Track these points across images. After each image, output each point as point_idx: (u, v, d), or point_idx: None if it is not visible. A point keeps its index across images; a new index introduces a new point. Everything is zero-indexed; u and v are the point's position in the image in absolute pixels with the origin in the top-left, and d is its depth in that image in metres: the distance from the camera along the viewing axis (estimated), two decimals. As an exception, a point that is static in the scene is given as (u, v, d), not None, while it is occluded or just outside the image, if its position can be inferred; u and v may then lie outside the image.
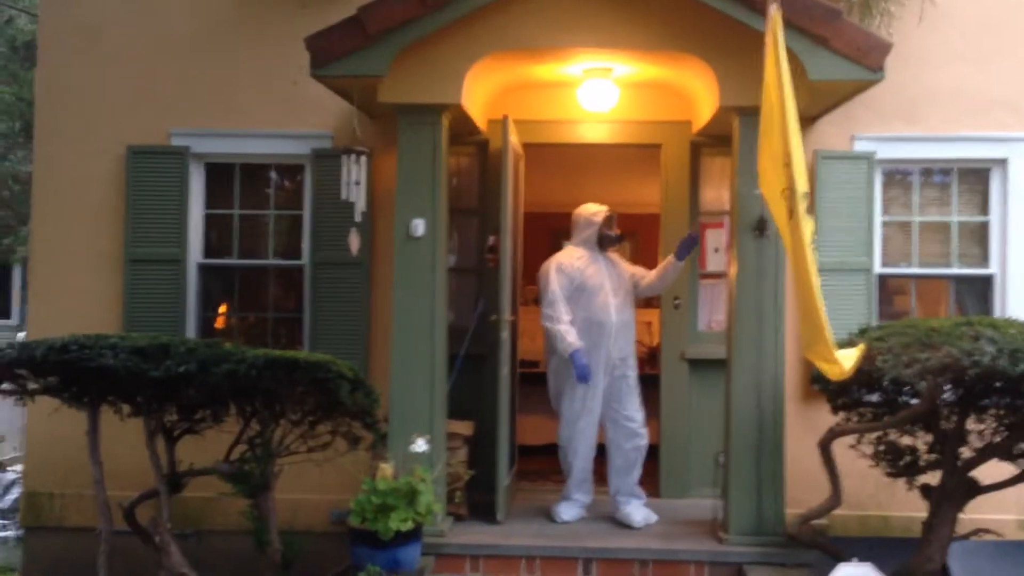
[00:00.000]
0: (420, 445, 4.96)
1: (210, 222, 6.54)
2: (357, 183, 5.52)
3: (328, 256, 6.24)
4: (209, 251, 6.53)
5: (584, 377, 5.46)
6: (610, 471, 5.75)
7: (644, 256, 7.30)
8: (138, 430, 4.85)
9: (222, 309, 6.63)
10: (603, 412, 5.70)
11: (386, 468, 4.79)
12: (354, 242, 5.59)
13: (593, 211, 5.75)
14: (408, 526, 4.60)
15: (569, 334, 5.49)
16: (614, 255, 5.87)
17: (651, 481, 6.13)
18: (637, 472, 5.75)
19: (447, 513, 5.37)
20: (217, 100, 6.40)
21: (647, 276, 5.86)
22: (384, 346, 5.72)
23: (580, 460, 5.71)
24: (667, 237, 6.31)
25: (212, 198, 6.54)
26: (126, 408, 4.92)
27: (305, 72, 5.31)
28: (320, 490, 5.79)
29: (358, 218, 5.54)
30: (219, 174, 6.54)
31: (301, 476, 5.18)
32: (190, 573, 4.67)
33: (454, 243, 6.41)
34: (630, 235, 6.41)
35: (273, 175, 6.60)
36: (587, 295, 5.63)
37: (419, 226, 5.33)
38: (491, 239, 6.28)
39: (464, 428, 5.79)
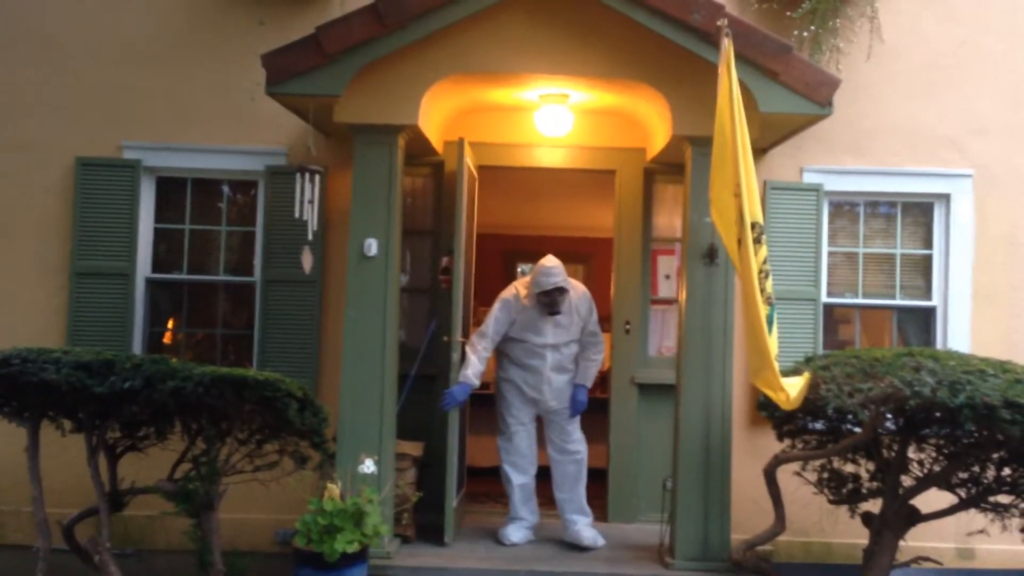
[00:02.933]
0: (368, 466, 4.93)
1: (160, 236, 6.46)
2: (310, 201, 5.50)
3: (280, 274, 6.20)
4: (158, 266, 6.44)
5: (444, 403, 5.54)
6: (554, 488, 5.80)
7: (597, 280, 7.34)
8: (79, 446, 4.77)
9: (170, 324, 6.54)
10: (547, 442, 5.82)
11: (333, 488, 4.75)
12: (307, 260, 5.57)
13: (538, 280, 5.59)
14: (354, 548, 4.55)
15: (470, 365, 5.56)
16: (574, 300, 5.74)
17: (599, 505, 6.15)
18: (582, 487, 5.81)
19: (394, 535, 5.34)
20: (171, 114, 6.34)
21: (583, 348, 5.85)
22: (335, 365, 5.69)
23: (520, 476, 5.78)
24: (620, 262, 6.37)
25: (163, 212, 6.46)
26: (68, 424, 4.83)
27: (261, 88, 5.29)
28: (266, 510, 5.72)
29: (311, 236, 5.52)
30: (171, 188, 6.47)
31: (247, 496, 5.12)
32: (130, 594, 4.58)
33: (407, 263, 6.41)
34: (583, 259, 6.43)
35: (226, 190, 6.54)
36: (526, 337, 5.71)
37: (372, 246, 5.32)
38: (444, 260, 6.29)
39: (413, 449, 5.76)
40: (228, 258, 6.48)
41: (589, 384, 5.83)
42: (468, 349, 5.59)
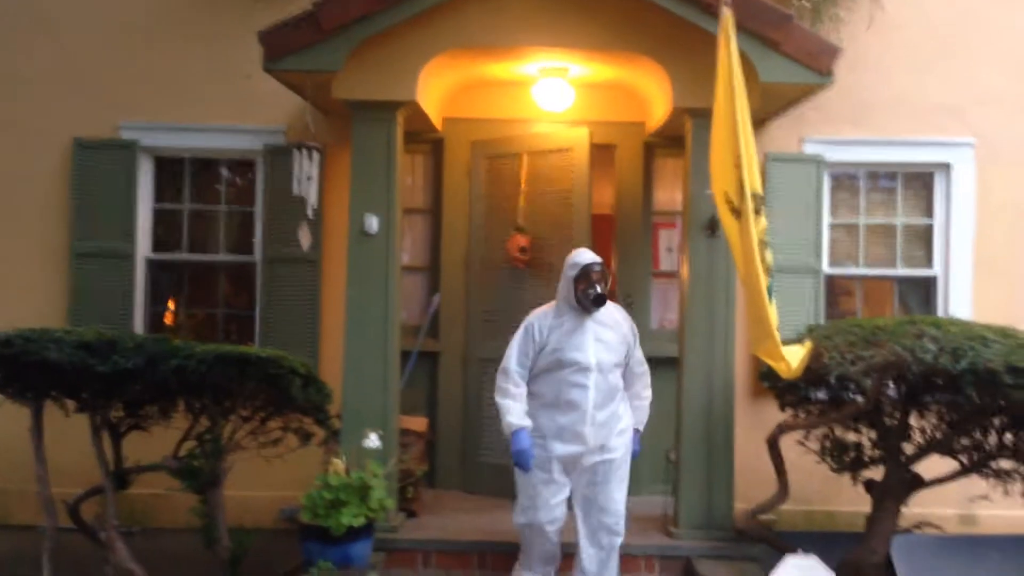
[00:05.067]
0: (373, 440, 4.94)
1: (159, 217, 6.45)
2: (309, 178, 5.49)
3: (280, 252, 6.20)
4: (158, 246, 6.44)
5: (520, 464, 4.48)
6: (576, 570, 4.66)
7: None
8: (83, 426, 4.77)
9: (171, 305, 6.54)
10: (575, 493, 4.62)
11: (338, 464, 4.77)
12: (305, 237, 5.56)
13: (572, 262, 4.58)
14: (360, 522, 4.57)
15: (512, 411, 4.49)
16: (616, 314, 4.70)
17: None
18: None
19: (400, 509, 5.36)
20: (168, 93, 6.32)
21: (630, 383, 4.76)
22: (336, 342, 5.69)
23: (542, 539, 4.64)
24: (622, 237, 6.36)
25: (161, 192, 6.46)
26: (71, 404, 4.83)
27: (258, 66, 5.26)
28: (270, 487, 5.74)
29: (310, 213, 5.52)
30: (169, 168, 6.46)
31: (251, 473, 5.13)
32: (137, 569, 4.60)
33: (407, 241, 6.41)
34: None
35: (224, 170, 6.53)
36: (560, 365, 4.51)
37: (373, 223, 5.31)
38: (522, 240, 6.18)
39: (418, 424, 5.78)
40: (228, 237, 6.48)
41: (642, 427, 4.77)
42: (497, 397, 4.56)
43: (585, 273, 4.49)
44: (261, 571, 5.01)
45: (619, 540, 4.60)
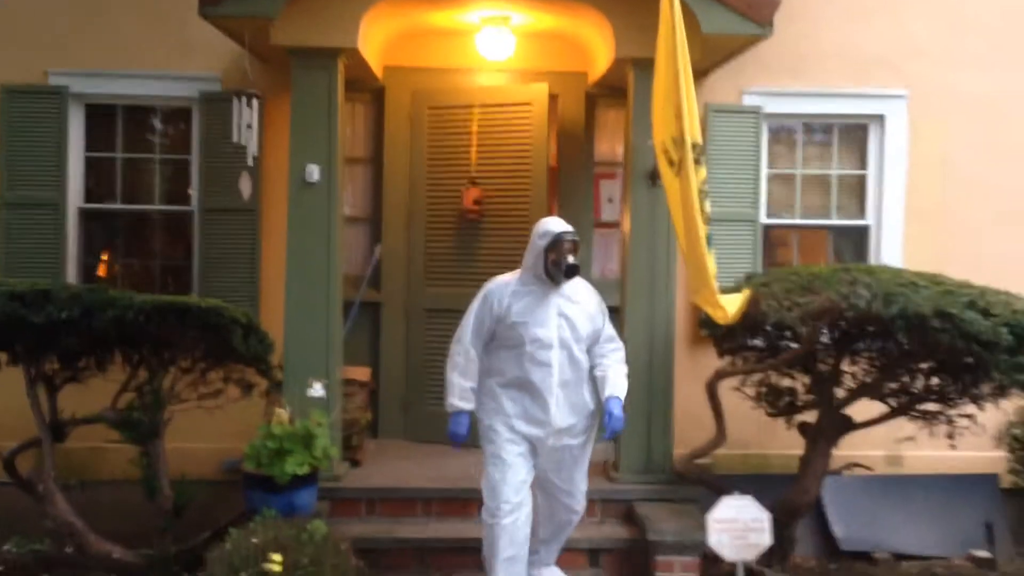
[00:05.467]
0: (317, 389, 4.94)
1: (91, 166, 6.29)
2: (249, 126, 5.40)
3: (217, 202, 6.10)
4: (91, 196, 6.28)
5: (452, 441, 4.37)
6: (532, 533, 4.49)
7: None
8: (17, 379, 4.68)
9: (104, 256, 6.40)
10: (537, 477, 4.44)
11: (282, 413, 4.75)
12: (245, 186, 5.48)
13: (542, 230, 4.30)
14: (305, 470, 4.58)
15: (454, 390, 4.31)
16: (583, 290, 4.45)
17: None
18: (560, 544, 4.71)
19: (344, 458, 5.37)
20: (99, 39, 6.12)
21: (598, 360, 4.45)
22: (276, 293, 5.64)
23: (510, 549, 4.30)
24: (564, 188, 6.38)
25: (93, 141, 6.28)
26: (4, 356, 4.74)
27: (194, 12, 5.12)
28: (212, 439, 5.69)
29: (250, 162, 5.43)
30: (101, 116, 6.28)
31: (192, 425, 5.10)
32: (77, 522, 4.56)
33: (348, 191, 6.35)
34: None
35: (158, 118, 6.37)
36: (522, 341, 4.25)
37: (314, 172, 5.25)
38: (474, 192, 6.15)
39: (361, 374, 5.78)
40: (163, 187, 6.34)
41: (623, 396, 4.38)
42: (447, 370, 4.37)
43: (557, 242, 4.22)
44: (204, 522, 5.00)
45: (578, 517, 4.56)
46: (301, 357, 5.19)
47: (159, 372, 4.85)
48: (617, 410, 4.29)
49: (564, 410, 4.30)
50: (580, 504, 4.51)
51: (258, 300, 6.06)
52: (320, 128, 5.28)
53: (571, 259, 4.21)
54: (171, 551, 4.72)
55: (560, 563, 4.80)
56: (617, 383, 4.36)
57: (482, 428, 4.39)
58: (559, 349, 4.27)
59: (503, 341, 4.31)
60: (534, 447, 4.33)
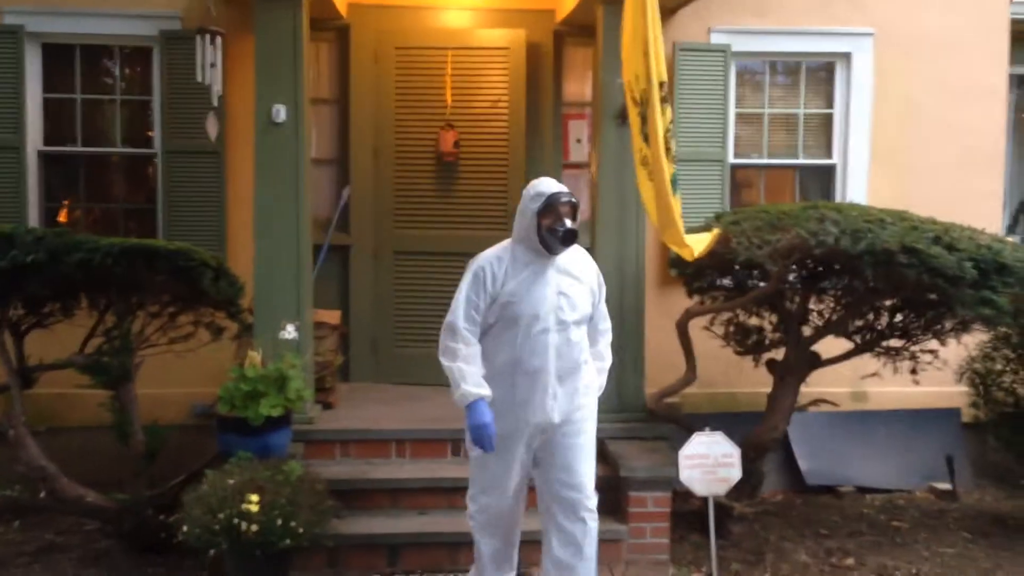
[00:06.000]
0: (290, 331, 4.93)
1: (50, 108, 6.12)
2: (213, 65, 5.29)
3: (181, 144, 5.98)
4: (51, 139, 6.13)
5: (480, 443, 3.73)
6: (545, 562, 3.97)
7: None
8: (-18, 324, 4.61)
9: (66, 201, 6.27)
10: (537, 473, 3.94)
11: (255, 356, 4.73)
12: (212, 127, 5.40)
13: (534, 192, 3.81)
14: (278, 412, 4.58)
15: (467, 377, 3.70)
16: (582, 260, 3.96)
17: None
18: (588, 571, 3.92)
19: (316, 401, 5.37)
20: (52, -25, 5.94)
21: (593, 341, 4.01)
22: (243, 236, 5.60)
23: (494, 533, 4.01)
24: (532, 128, 6.34)
25: (52, 82, 6.11)
26: (-33, 302, 4.66)
27: (152, -55, 4.99)
28: (183, 384, 5.66)
29: (215, 102, 5.33)
30: (59, 56, 6.10)
31: (163, 370, 5.08)
32: (48, 466, 4.53)
33: (314, 133, 6.26)
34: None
35: (118, 58, 6.21)
36: (514, 323, 3.76)
37: (280, 112, 5.16)
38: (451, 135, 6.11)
39: (331, 317, 5.76)
40: (125, 129, 6.20)
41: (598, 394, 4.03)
42: (445, 360, 3.77)
43: (551, 205, 3.70)
44: (177, 466, 5.00)
45: (594, 520, 3.89)
46: (271, 300, 5.16)
47: (127, 316, 4.80)
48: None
49: (562, 402, 3.80)
50: (592, 502, 3.88)
51: (225, 243, 5.99)
52: (286, 67, 5.18)
53: (569, 223, 3.71)
54: (145, 495, 4.72)
55: (530, 501, 4.84)
56: (600, 377, 4.02)
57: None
58: (556, 333, 3.76)
59: (494, 323, 3.79)
60: (529, 442, 3.84)
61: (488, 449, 3.72)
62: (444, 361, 3.77)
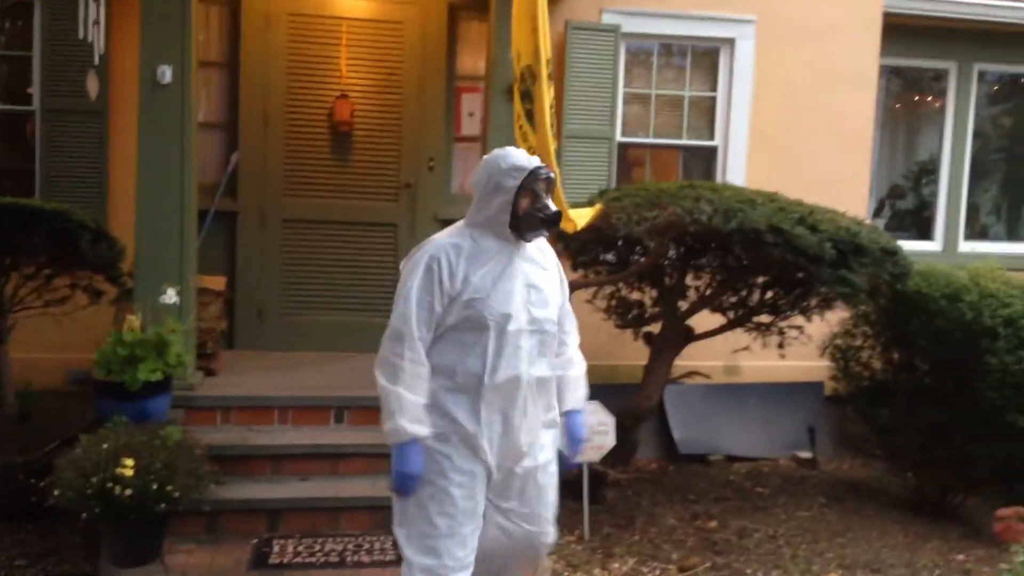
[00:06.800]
0: (170, 296, 4.87)
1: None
2: (96, 23, 5.13)
3: (62, 103, 5.82)
4: (-81, 92, 5.89)
5: (402, 491, 3.06)
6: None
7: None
8: None
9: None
10: (492, 507, 3.22)
11: (133, 320, 4.67)
12: (92, 86, 5.25)
13: (510, 165, 3.10)
14: (157, 377, 4.53)
15: (406, 408, 2.98)
16: (541, 246, 3.28)
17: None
18: None
19: (199, 368, 5.33)
20: (-77, -81, 5.67)
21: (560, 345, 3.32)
22: (126, 199, 5.46)
23: None
24: (423, 100, 6.38)
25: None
26: None
27: None
28: (59, 349, 5.53)
29: (96, 61, 5.18)
30: (-71, 5, 5.85)
31: (38, 334, 4.97)
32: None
33: (202, 96, 6.16)
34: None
35: (-6, 10, 5.99)
36: (481, 325, 3.05)
37: (166, 73, 5.07)
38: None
39: (216, 283, 5.71)
40: (3, 85, 5.99)
41: (584, 408, 3.43)
42: (382, 378, 3.01)
43: (532, 182, 3.08)
44: (52, 432, 4.89)
45: (547, 549, 3.40)
46: (153, 264, 5.07)
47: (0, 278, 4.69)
48: (582, 431, 3.36)
49: (534, 420, 3.16)
50: (550, 535, 3.32)
51: (107, 205, 5.85)
52: (173, 28, 5.06)
53: (551, 204, 3.14)
54: (17, 460, 4.62)
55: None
56: (579, 389, 3.38)
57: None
58: (529, 335, 3.10)
59: (453, 325, 3.04)
60: (489, 472, 3.12)
61: (405, 496, 3.05)
62: (381, 378, 3.01)
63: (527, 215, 3.08)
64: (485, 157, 3.20)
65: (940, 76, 7.58)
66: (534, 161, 3.14)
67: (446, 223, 6.39)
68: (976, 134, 7.61)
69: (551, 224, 3.12)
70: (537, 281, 3.17)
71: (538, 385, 3.14)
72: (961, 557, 4.76)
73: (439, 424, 3.04)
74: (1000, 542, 4.73)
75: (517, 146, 4.71)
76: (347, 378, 5.68)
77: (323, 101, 6.27)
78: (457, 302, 3.02)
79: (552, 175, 3.18)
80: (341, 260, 6.37)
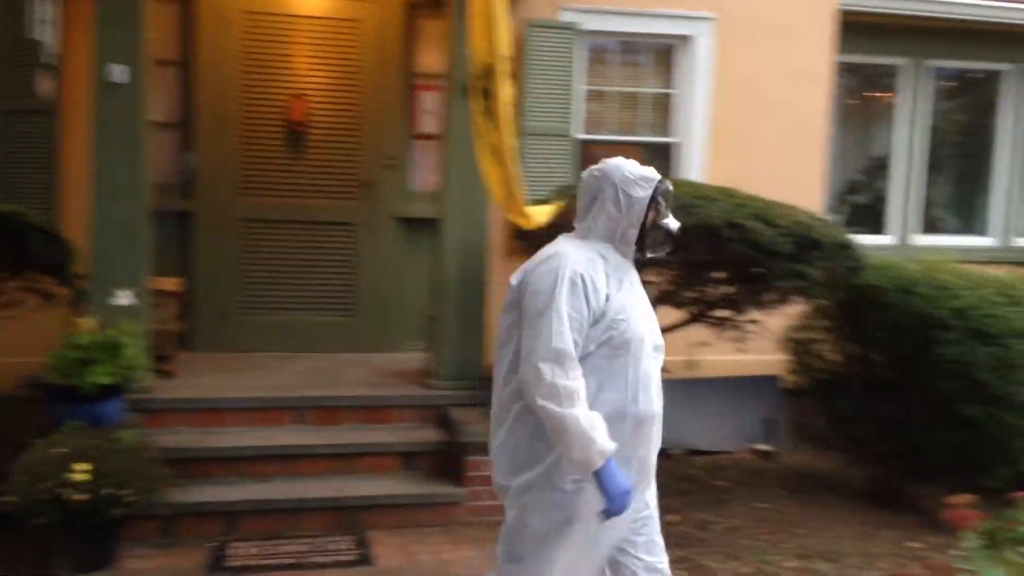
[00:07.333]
0: (124, 297, 4.80)
1: None
2: (44, 21, 5.07)
3: (12, 102, 5.69)
4: None
5: (620, 508, 2.72)
6: None
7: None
8: None
9: None
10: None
11: (87, 323, 4.61)
12: (43, 85, 5.17)
13: (639, 176, 2.91)
14: (111, 380, 4.47)
15: (598, 425, 2.67)
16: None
17: (361, 337, 6.34)
18: None
19: (155, 371, 5.27)
20: None
21: None
22: (77, 200, 5.38)
23: None
24: (381, 99, 6.34)
25: None
26: None
27: None
28: (9, 353, 5.41)
29: (48, 60, 5.11)
30: None
31: (-12, 338, 4.87)
32: None
33: (156, 95, 6.07)
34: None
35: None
36: (623, 350, 2.80)
37: (120, 72, 5.00)
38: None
39: (172, 285, 5.66)
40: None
41: None
42: (556, 406, 2.65)
43: (658, 195, 2.92)
44: (3, 438, 4.80)
45: None
46: (107, 266, 5.01)
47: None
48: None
49: (653, 445, 2.93)
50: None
51: (59, 207, 5.73)
52: (126, 25, 5.01)
53: (674, 218, 2.98)
54: (-33, 466, 4.54)
55: (372, 467, 4.95)
56: None
57: (543, 501, 2.81)
58: (654, 361, 2.91)
59: (593, 352, 2.77)
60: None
61: (623, 511, 2.75)
62: (554, 407, 2.64)
63: (654, 229, 2.93)
64: (599, 166, 2.95)
65: (894, 72, 7.68)
66: (657, 173, 2.95)
67: (405, 221, 6.47)
68: (931, 129, 7.71)
69: (675, 240, 2.98)
70: (647, 303, 2.97)
71: (660, 420, 2.92)
72: (915, 545, 4.84)
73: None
74: (952, 530, 4.80)
75: (475, 143, 4.76)
76: (307, 378, 5.65)
77: (280, 100, 6.23)
78: (600, 323, 2.77)
79: (672, 187, 3.02)
80: (302, 260, 6.34)
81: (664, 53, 6.74)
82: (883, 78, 7.77)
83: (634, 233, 2.90)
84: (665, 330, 5.28)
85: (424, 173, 6.57)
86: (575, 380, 2.67)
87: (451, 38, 5.43)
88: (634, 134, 6.73)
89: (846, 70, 7.48)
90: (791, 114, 6.71)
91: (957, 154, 8.12)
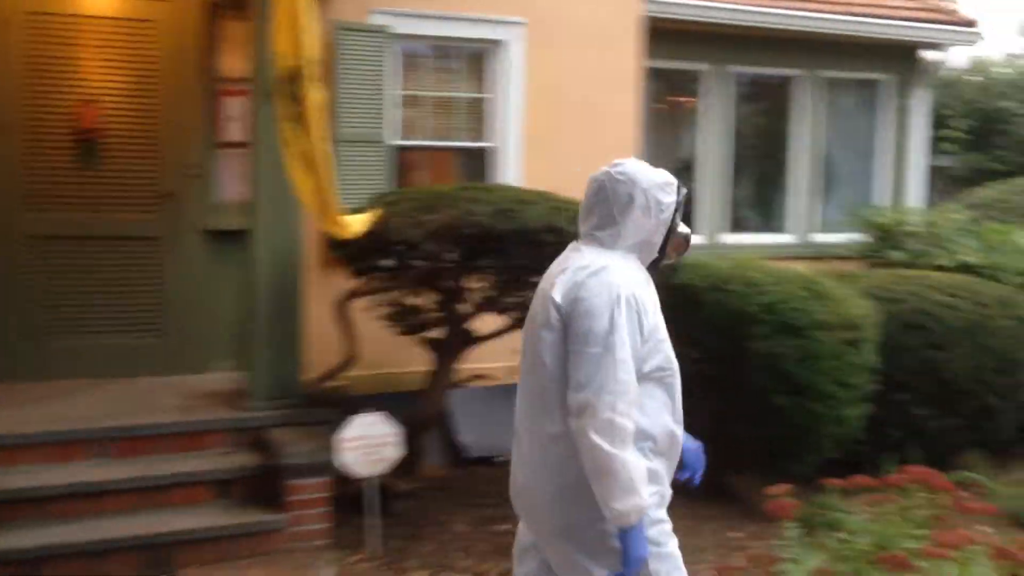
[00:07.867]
0: None
1: None
2: None
3: None
4: None
5: (638, 562, 2.56)
6: None
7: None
8: None
9: None
10: None
11: None
12: None
13: (662, 181, 2.74)
14: None
15: (641, 478, 2.52)
16: None
17: (170, 359, 5.97)
18: None
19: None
20: None
21: None
22: None
23: None
24: (182, 105, 5.99)
25: None
26: None
27: None
28: None
29: None
30: None
31: None
32: None
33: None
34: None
35: None
36: (668, 373, 2.74)
37: None
38: None
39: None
40: None
41: None
42: (611, 446, 2.45)
43: (684, 201, 2.82)
44: None
45: None
46: None
47: None
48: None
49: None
50: None
51: None
52: None
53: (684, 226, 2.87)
54: None
55: (185, 498, 4.64)
56: None
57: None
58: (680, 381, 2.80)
59: (646, 375, 2.64)
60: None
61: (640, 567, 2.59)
62: (605, 444, 2.45)
63: (675, 235, 2.79)
64: (623, 171, 2.73)
65: (698, 78, 7.98)
66: (669, 173, 2.80)
67: (213, 234, 6.14)
68: (734, 132, 8.06)
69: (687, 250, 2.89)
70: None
71: None
72: (738, 535, 4.98)
73: (656, 499, 2.69)
74: (771, 519, 4.98)
75: (283, 151, 4.54)
76: (113, 405, 5.27)
77: (69, 107, 5.76)
78: (647, 344, 2.61)
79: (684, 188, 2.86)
80: (103, 278, 5.91)
81: (477, 58, 6.71)
82: (689, 83, 8.06)
83: (659, 240, 2.77)
84: (489, 336, 5.34)
85: (232, 183, 6.24)
86: (630, 419, 2.49)
87: (255, 40, 5.18)
88: (450, 139, 6.68)
89: (654, 75, 7.71)
90: (602, 118, 6.83)
91: (758, 155, 8.54)
